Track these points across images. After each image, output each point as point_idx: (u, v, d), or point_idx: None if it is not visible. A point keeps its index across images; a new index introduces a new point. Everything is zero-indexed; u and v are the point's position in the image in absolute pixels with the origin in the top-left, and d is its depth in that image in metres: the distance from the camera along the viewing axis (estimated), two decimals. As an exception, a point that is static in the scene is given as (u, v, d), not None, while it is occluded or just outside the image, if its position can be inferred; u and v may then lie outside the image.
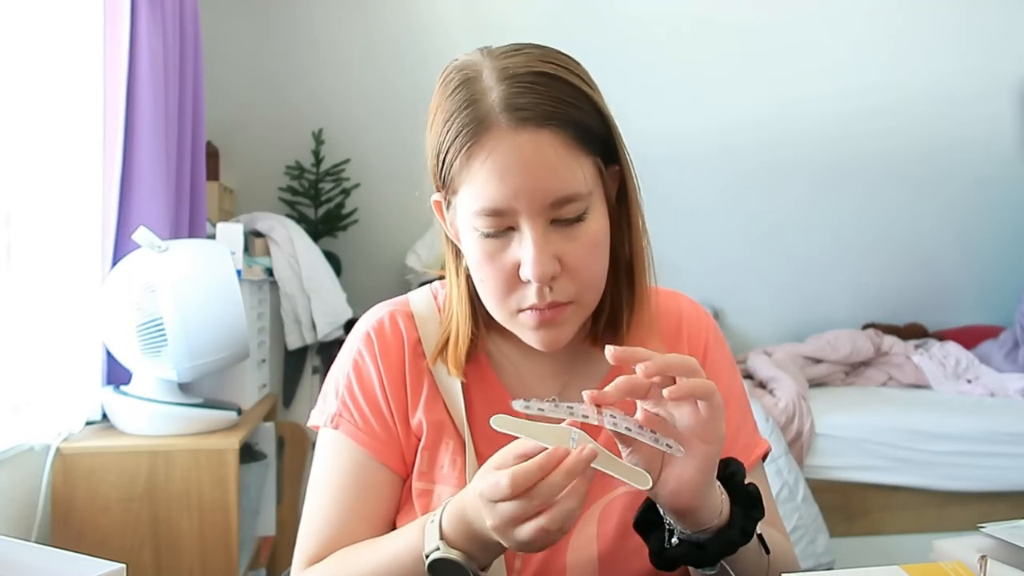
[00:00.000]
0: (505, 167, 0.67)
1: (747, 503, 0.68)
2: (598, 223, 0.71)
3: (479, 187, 0.68)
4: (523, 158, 0.67)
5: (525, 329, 0.74)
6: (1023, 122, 3.24)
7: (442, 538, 0.65)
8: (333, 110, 3.10)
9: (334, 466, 0.81)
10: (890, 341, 3.24)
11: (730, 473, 0.70)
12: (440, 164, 0.72)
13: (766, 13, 3.13)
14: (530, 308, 0.71)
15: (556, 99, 0.68)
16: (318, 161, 3.05)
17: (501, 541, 0.61)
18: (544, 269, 0.68)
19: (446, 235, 0.79)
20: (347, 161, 3.08)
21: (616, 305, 0.80)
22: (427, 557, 0.65)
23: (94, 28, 1.71)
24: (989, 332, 3.37)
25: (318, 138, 3.05)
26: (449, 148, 0.70)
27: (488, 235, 0.70)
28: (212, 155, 2.59)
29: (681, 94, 3.09)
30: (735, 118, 3.23)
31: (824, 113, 3.23)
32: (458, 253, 0.79)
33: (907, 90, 3.22)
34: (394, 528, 0.80)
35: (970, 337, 3.34)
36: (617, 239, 0.76)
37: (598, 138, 0.71)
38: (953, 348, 3.18)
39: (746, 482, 0.70)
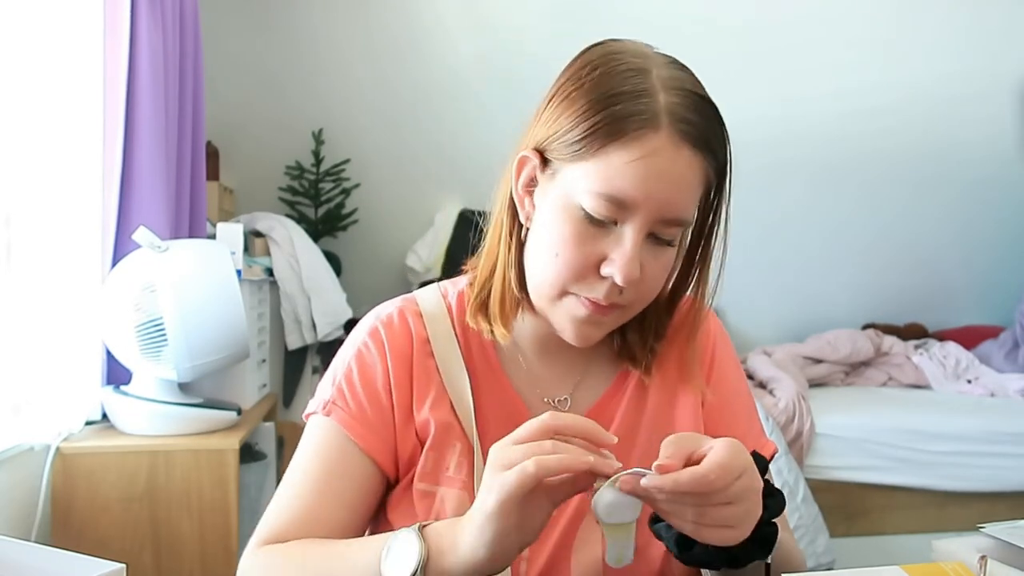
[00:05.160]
0: (657, 172, 0.67)
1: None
2: (675, 251, 0.75)
3: (617, 172, 0.67)
4: (675, 172, 0.68)
5: (567, 315, 0.73)
6: (1023, 122, 3.24)
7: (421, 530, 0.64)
8: (333, 110, 3.10)
9: (316, 450, 0.78)
10: (890, 341, 3.24)
11: None
12: (578, 128, 0.69)
13: (766, 13, 3.13)
14: (587, 298, 0.71)
15: (714, 131, 0.71)
16: (318, 161, 3.05)
17: (490, 467, 0.59)
18: (633, 274, 0.69)
19: (511, 196, 0.77)
20: (347, 161, 3.08)
21: (647, 329, 0.82)
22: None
23: (94, 28, 1.71)
24: (989, 332, 3.37)
25: (318, 138, 3.05)
26: (603, 121, 0.67)
27: (592, 219, 0.69)
28: (212, 155, 2.59)
29: (681, 94, 3.08)
30: (735, 118, 3.15)
31: (824, 113, 3.22)
32: (515, 216, 0.77)
33: (907, 90, 3.21)
34: (379, 525, 0.79)
35: (970, 337, 3.34)
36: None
37: (718, 178, 0.74)
38: (953, 348, 3.18)
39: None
